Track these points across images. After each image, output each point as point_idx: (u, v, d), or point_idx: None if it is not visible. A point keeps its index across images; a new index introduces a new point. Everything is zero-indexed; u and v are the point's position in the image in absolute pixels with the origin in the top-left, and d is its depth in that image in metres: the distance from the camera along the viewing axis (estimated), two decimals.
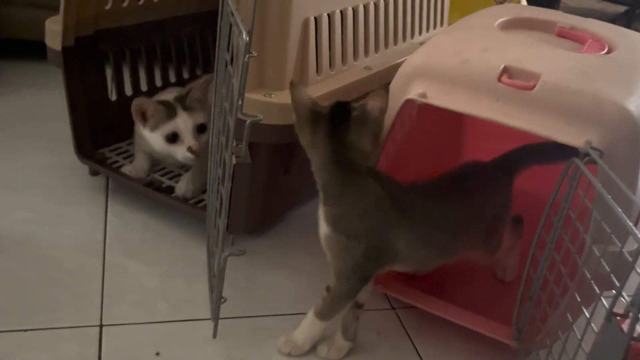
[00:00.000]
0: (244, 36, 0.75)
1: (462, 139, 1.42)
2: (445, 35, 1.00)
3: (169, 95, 1.25)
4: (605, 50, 1.00)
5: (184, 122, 1.18)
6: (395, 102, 0.91)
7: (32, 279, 1.01)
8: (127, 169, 1.25)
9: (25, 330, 0.91)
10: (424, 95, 0.88)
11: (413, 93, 0.88)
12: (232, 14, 0.82)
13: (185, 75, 1.51)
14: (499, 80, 0.86)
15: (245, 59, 0.76)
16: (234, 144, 0.82)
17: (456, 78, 0.88)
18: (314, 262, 1.15)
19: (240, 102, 0.79)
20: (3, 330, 0.91)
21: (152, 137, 1.20)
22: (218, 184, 0.92)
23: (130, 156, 1.32)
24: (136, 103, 1.17)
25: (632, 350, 0.63)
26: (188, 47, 1.50)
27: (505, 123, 0.84)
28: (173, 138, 1.18)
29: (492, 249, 1.03)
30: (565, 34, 1.09)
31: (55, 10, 1.72)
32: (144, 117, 1.19)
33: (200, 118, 1.20)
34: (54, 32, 1.17)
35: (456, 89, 0.88)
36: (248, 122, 0.80)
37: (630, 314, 0.62)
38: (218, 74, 0.96)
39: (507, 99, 0.85)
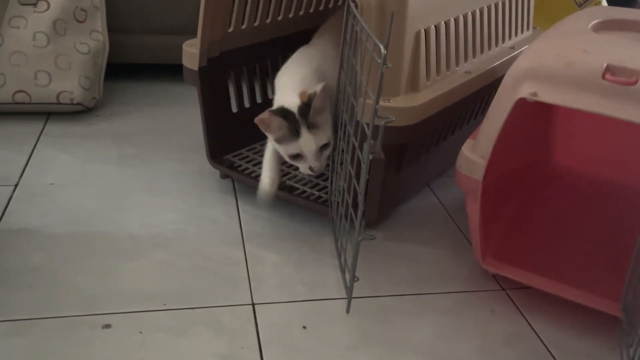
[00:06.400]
0: (382, 50, 0.89)
1: (552, 136, 1.52)
2: (545, 40, 1.12)
3: (293, 91, 1.29)
4: None
5: (307, 145, 1.24)
6: (506, 102, 1.03)
7: (189, 268, 1.18)
8: (263, 184, 1.32)
9: (192, 309, 1.07)
10: (534, 94, 0.99)
11: (525, 92, 1.00)
12: (363, 28, 0.96)
13: None
14: (603, 77, 0.97)
15: (383, 69, 0.90)
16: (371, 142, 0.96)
17: (563, 78, 0.99)
18: (428, 252, 1.28)
19: (376, 106, 0.93)
20: (174, 308, 1.07)
21: (277, 147, 1.30)
22: (350, 180, 1.06)
23: (250, 160, 1.47)
24: (260, 119, 1.24)
25: None
26: None
27: (611, 115, 0.94)
28: (297, 156, 1.27)
29: None
30: None
31: (163, 34, 1.95)
32: (268, 129, 1.28)
33: (323, 138, 1.26)
34: (191, 54, 1.34)
35: (563, 87, 0.99)
36: (382, 123, 0.94)
37: None
38: (344, 82, 1.11)
39: (611, 94, 0.96)
